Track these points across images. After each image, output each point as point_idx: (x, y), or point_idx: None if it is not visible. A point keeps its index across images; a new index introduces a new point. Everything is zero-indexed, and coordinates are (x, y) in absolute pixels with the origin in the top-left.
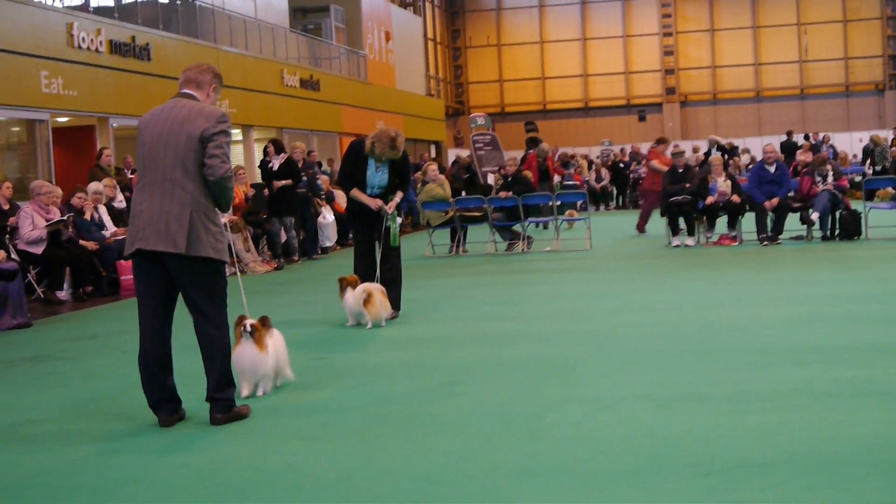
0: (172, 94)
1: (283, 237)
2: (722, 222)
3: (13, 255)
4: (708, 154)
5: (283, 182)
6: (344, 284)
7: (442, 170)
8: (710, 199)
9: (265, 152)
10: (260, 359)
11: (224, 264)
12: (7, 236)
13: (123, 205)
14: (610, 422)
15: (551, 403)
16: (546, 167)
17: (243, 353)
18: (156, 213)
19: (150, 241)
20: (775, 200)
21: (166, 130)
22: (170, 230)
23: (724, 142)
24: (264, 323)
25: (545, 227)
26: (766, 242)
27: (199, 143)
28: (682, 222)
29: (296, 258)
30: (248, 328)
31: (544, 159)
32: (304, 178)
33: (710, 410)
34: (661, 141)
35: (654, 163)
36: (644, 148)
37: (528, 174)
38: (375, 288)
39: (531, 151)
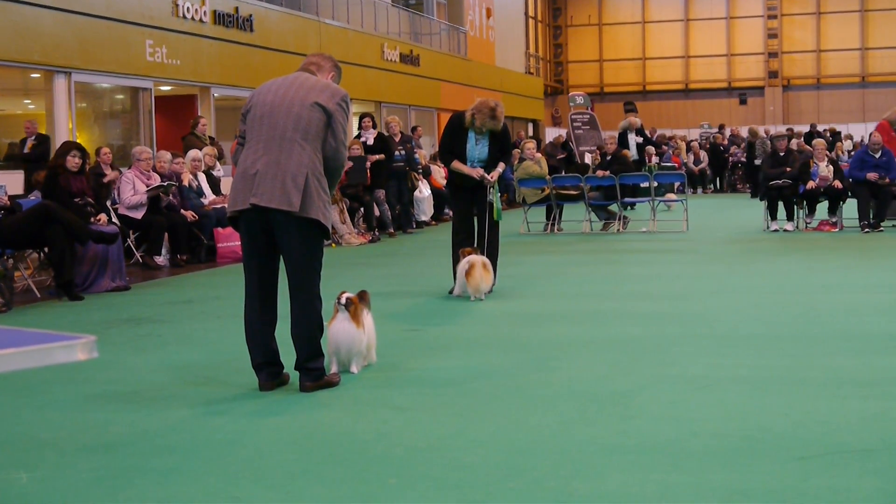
0: (274, 65)
1: (376, 211)
2: (822, 208)
3: (114, 220)
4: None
5: (377, 157)
6: (463, 256)
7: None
8: (811, 184)
9: (360, 126)
10: (356, 335)
11: (327, 234)
12: (108, 200)
13: (223, 173)
14: (704, 403)
15: (645, 382)
16: None
17: (339, 329)
18: (272, 171)
19: (265, 197)
20: (874, 175)
21: (290, 95)
22: (286, 188)
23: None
24: (362, 298)
25: (632, 208)
26: (867, 229)
27: (323, 113)
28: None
29: (391, 231)
30: (344, 301)
31: None
32: (402, 152)
33: (808, 395)
34: None
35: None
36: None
37: (627, 153)
38: (479, 260)
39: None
